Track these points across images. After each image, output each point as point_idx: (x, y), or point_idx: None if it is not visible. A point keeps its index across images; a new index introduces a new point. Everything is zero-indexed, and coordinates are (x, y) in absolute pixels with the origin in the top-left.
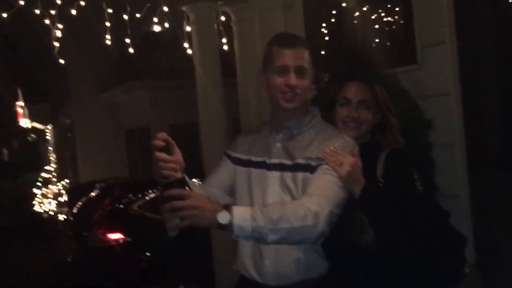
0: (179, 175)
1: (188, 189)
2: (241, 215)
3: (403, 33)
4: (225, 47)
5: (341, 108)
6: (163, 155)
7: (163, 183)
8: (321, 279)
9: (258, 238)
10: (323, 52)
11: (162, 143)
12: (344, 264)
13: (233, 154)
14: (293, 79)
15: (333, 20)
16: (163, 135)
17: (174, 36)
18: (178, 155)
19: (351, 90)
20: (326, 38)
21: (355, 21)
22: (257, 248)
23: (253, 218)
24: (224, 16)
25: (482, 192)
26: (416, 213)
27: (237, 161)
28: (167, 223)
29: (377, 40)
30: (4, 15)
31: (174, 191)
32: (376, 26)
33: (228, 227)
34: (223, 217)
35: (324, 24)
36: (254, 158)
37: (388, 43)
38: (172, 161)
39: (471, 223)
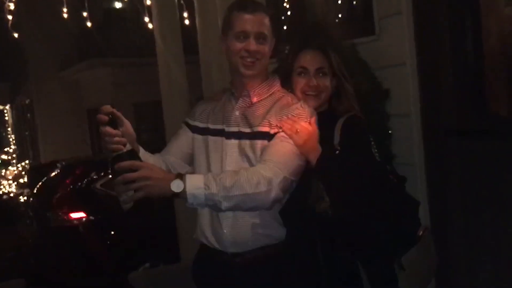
0: (128, 147)
1: (139, 160)
2: (194, 183)
3: (361, 4)
4: (187, 22)
5: (299, 78)
6: (107, 128)
7: (113, 157)
8: (280, 245)
9: (212, 206)
10: (285, 27)
11: (105, 117)
12: (302, 230)
13: (192, 122)
14: (253, 44)
15: None
16: (107, 108)
17: (136, 11)
18: (127, 127)
19: (306, 58)
20: (288, 12)
21: None
22: (215, 216)
23: (206, 185)
24: None
25: (437, 159)
26: (372, 178)
27: (196, 129)
28: (121, 196)
29: (336, 13)
30: None
31: (126, 163)
32: None
33: (182, 195)
34: (176, 186)
35: None
36: (212, 126)
37: (347, 15)
38: (117, 134)
39: (425, 189)
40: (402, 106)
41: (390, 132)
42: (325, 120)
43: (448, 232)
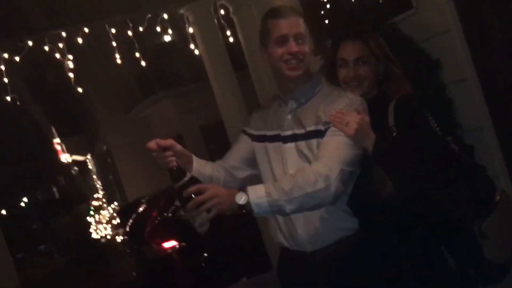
0: (189, 175)
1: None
2: (256, 193)
3: None
4: (231, 39)
5: (340, 69)
6: (155, 154)
7: (178, 187)
8: (355, 237)
9: (277, 211)
10: (326, 21)
11: (153, 146)
12: (373, 218)
13: (249, 131)
14: (293, 46)
15: None
16: (151, 143)
17: (185, 40)
18: (178, 149)
19: (346, 49)
20: (327, 6)
21: None
22: (287, 218)
23: (267, 193)
24: (223, 9)
25: (504, 118)
26: (432, 153)
27: (254, 138)
28: (195, 221)
29: None
30: (17, 58)
31: (192, 188)
32: None
33: (247, 206)
34: (240, 198)
35: None
36: (268, 133)
37: None
38: (168, 155)
39: (499, 151)
40: (456, 73)
41: (450, 100)
42: (376, 105)
43: None
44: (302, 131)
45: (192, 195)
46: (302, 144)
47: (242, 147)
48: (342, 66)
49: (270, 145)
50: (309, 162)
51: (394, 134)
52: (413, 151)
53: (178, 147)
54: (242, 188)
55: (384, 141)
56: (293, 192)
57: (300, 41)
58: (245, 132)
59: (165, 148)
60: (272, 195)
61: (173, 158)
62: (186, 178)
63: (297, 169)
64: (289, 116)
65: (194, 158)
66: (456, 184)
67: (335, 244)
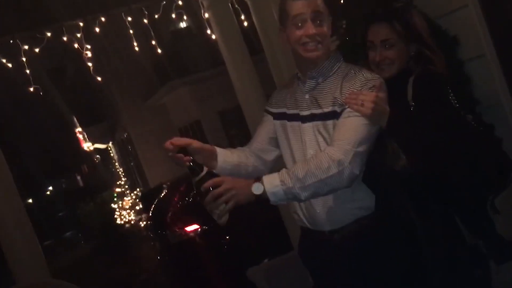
0: (205, 169)
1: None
2: (271, 182)
3: None
4: (245, 24)
5: (369, 52)
6: (178, 155)
7: (196, 181)
8: (373, 215)
9: (293, 198)
10: (341, 1)
11: (171, 147)
12: (389, 193)
13: (271, 109)
14: (311, 28)
15: None
16: (167, 143)
17: (200, 26)
18: (197, 146)
19: (373, 32)
20: None
21: None
22: None
23: (282, 181)
24: None
25: None
26: (448, 126)
27: (276, 116)
28: (214, 214)
29: None
30: (36, 50)
31: (209, 183)
32: None
33: (263, 196)
34: (256, 188)
35: None
36: (288, 111)
37: None
38: (188, 160)
39: None
40: (475, 49)
41: (468, 77)
42: (398, 80)
43: None
44: (319, 111)
45: (211, 188)
46: (319, 124)
47: (266, 128)
48: (371, 49)
49: (289, 124)
50: (327, 143)
51: (411, 107)
52: (428, 125)
53: (197, 144)
54: (258, 179)
55: (399, 115)
56: (306, 179)
57: (318, 21)
58: (267, 111)
59: (181, 148)
60: (287, 183)
61: (188, 157)
62: (203, 173)
63: (316, 149)
64: (306, 96)
65: (218, 150)
66: (471, 158)
67: (353, 224)
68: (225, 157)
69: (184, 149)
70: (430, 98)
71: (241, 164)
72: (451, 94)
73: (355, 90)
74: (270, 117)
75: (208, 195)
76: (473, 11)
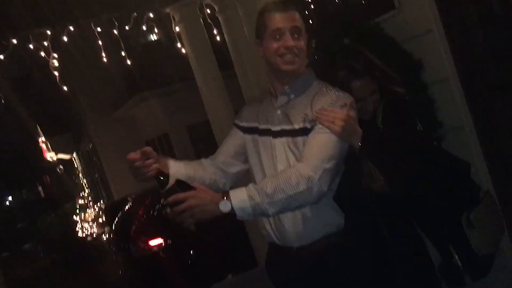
0: (172, 181)
1: (186, 187)
2: (239, 198)
3: None
4: (218, 38)
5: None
6: (139, 163)
7: (162, 193)
8: (341, 232)
9: (260, 214)
10: (310, 21)
11: (136, 156)
12: (361, 213)
13: (240, 123)
14: (289, 40)
15: None
16: (132, 154)
17: (171, 40)
18: (155, 157)
19: (362, 87)
20: (312, 6)
21: None
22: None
23: (250, 197)
24: (209, 8)
25: (485, 117)
26: (420, 148)
27: (245, 130)
28: (182, 223)
29: None
30: (0, 56)
31: (171, 198)
32: None
33: (231, 212)
34: (224, 206)
35: None
36: (260, 126)
37: None
38: (149, 164)
39: (481, 151)
40: (438, 73)
41: (431, 100)
42: None
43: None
44: (290, 127)
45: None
46: (289, 140)
47: (233, 141)
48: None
49: (260, 139)
50: (297, 159)
51: (381, 130)
52: (400, 144)
53: (154, 154)
54: (225, 194)
55: (371, 135)
56: (275, 195)
57: (296, 35)
58: (236, 125)
59: (147, 156)
60: (255, 198)
61: (156, 165)
62: (169, 184)
63: (286, 165)
64: (278, 111)
65: (171, 163)
66: (443, 178)
67: (322, 240)
68: (178, 169)
69: (149, 159)
70: (398, 121)
71: (196, 177)
72: (415, 118)
73: (326, 107)
74: (238, 131)
75: (171, 211)
76: (437, 36)
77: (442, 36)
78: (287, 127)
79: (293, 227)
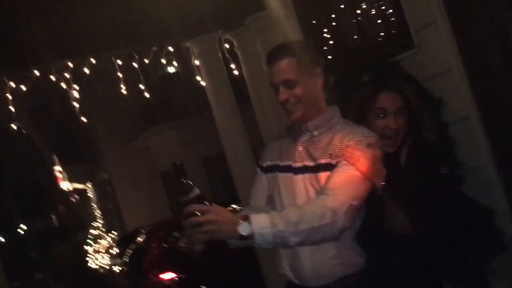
0: (196, 191)
1: (207, 204)
2: (260, 223)
3: (395, 21)
4: (236, 72)
5: (375, 120)
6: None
7: (181, 201)
8: (361, 273)
9: (280, 243)
10: (329, 57)
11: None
12: (382, 254)
13: (263, 163)
14: (282, 94)
15: (333, 23)
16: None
17: (189, 72)
18: None
19: (386, 99)
20: (330, 42)
21: (351, 20)
22: (294, 252)
23: (272, 223)
24: (228, 43)
25: (507, 157)
26: (440, 192)
27: (267, 169)
28: (190, 239)
29: (374, 34)
30: (23, 87)
31: (193, 207)
32: (370, 21)
33: (250, 236)
34: (243, 229)
35: (325, 30)
36: (281, 163)
37: (384, 34)
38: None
39: (504, 191)
40: (459, 111)
41: (452, 139)
42: None
43: None
44: (312, 163)
45: (195, 212)
46: (311, 176)
47: (261, 185)
48: (381, 116)
49: (281, 175)
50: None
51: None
52: (423, 187)
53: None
54: (245, 217)
55: (395, 176)
56: (299, 224)
57: (289, 87)
58: (260, 167)
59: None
60: (277, 226)
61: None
62: (192, 194)
63: (306, 201)
64: (300, 148)
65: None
66: (465, 224)
67: (341, 281)
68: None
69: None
70: (422, 163)
71: None
72: (439, 160)
73: (352, 144)
74: (261, 173)
75: (188, 220)
76: (457, 75)
77: (463, 76)
78: (309, 163)
79: (311, 266)
